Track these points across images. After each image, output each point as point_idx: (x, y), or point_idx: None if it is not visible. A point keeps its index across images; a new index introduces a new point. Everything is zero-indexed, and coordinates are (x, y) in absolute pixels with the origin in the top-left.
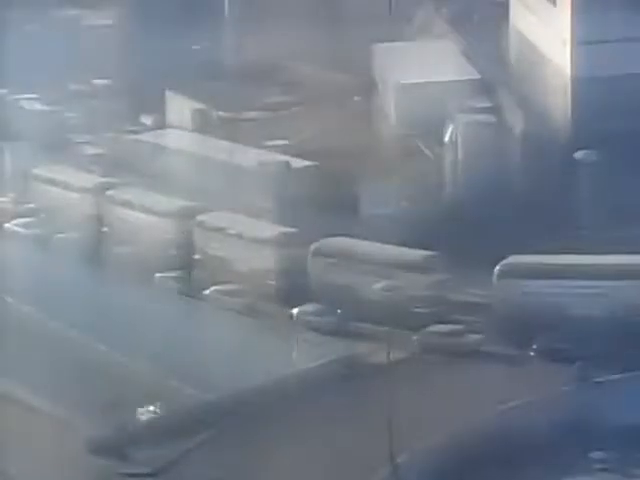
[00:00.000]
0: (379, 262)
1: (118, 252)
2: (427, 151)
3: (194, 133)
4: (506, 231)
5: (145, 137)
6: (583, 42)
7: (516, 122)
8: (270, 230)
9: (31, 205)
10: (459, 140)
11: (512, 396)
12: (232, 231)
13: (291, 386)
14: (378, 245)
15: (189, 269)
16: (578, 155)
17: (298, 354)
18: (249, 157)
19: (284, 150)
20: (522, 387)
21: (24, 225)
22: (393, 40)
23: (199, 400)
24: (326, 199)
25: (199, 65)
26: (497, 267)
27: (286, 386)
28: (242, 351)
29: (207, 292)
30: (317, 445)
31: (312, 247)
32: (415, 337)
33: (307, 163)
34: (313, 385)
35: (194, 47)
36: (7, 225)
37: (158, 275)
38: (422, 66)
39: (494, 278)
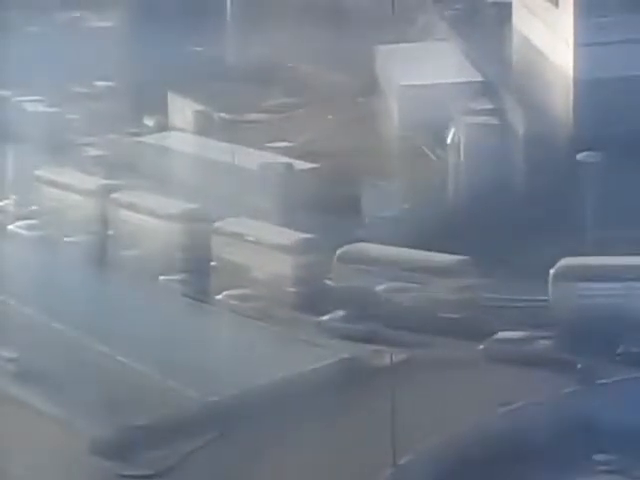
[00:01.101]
0: (409, 267)
1: (123, 255)
2: (430, 153)
3: (196, 135)
4: (508, 232)
5: (147, 139)
6: (586, 44)
7: (518, 124)
8: (289, 236)
9: (34, 207)
10: (461, 142)
11: (515, 398)
12: (250, 237)
13: (293, 387)
14: (406, 250)
15: (195, 272)
16: (581, 156)
17: (302, 356)
18: (251, 159)
19: (287, 152)
20: (524, 388)
21: (27, 227)
22: (396, 42)
23: (201, 402)
24: (329, 201)
25: (201, 67)
26: (551, 270)
27: (288, 387)
28: (246, 354)
29: (219, 297)
30: (320, 447)
31: (337, 253)
32: (482, 346)
33: (310, 165)
34: (315, 387)
35: (196, 49)
36: (10, 227)
37: (162, 278)
38: (424, 68)
39: (549, 282)
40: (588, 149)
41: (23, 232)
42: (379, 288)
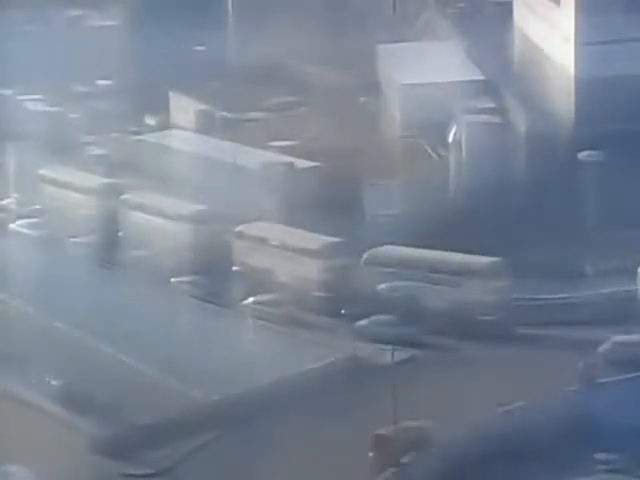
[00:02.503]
0: (439, 269)
1: (130, 255)
2: (431, 152)
3: (198, 134)
4: (509, 231)
5: (149, 138)
6: (587, 42)
7: (520, 122)
8: (316, 240)
9: (36, 206)
10: (463, 140)
11: (516, 396)
12: (274, 242)
13: (294, 386)
14: (433, 252)
15: (211, 275)
16: (582, 155)
17: (303, 355)
18: (253, 158)
19: (289, 151)
20: (526, 387)
21: (28, 226)
22: (397, 41)
23: (203, 401)
24: (330, 199)
25: (203, 66)
26: (639, 269)
27: (289, 386)
28: (249, 354)
29: (247, 302)
30: (321, 445)
31: (364, 256)
32: (600, 350)
33: (311, 164)
34: (317, 385)
35: (198, 48)
36: (11, 225)
37: (174, 280)
38: (426, 67)
39: (638, 279)
40: (589, 147)
41: (25, 231)
42: (411, 291)
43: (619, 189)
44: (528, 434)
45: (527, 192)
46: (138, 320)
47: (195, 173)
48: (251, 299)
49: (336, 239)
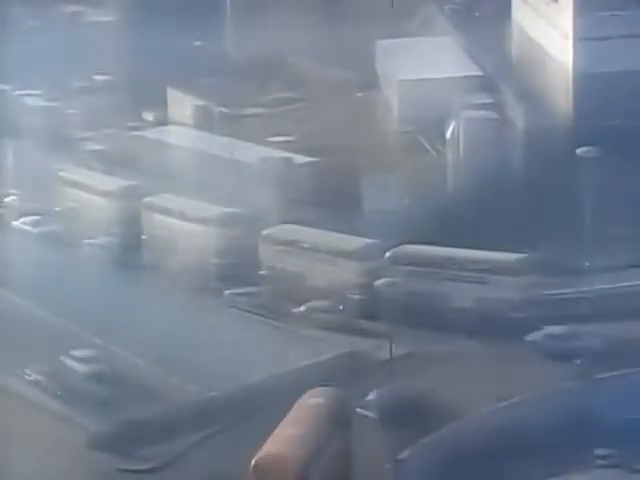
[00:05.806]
0: (466, 267)
1: (146, 258)
2: (429, 147)
3: (196, 129)
4: (507, 228)
5: (147, 133)
6: (585, 38)
7: (518, 118)
8: (352, 242)
9: (38, 204)
10: (461, 136)
11: (515, 392)
12: (306, 244)
13: (294, 382)
14: (458, 250)
15: (235, 279)
16: (580, 151)
17: (303, 351)
18: (251, 153)
19: (287, 146)
20: (524, 384)
21: (31, 223)
22: (395, 36)
23: (201, 396)
24: (328, 195)
25: (201, 61)
26: None
27: (289, 382)
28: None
29: (302, 309)
30: None
31: (387, 254)
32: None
33: (309, 159)
34: (316, 381)
35: (196, 43)
36: (14, 223)
37: (227, 292)
38: (424, 62)
39: None
40: (587, 143)
41: (27, 228)
42: (439, 291)
43: (617, 185)
44: (527, 429)
45: (525, 188)
46: (140, 317)
47: (192, 169)
48: (303, 307)
49: (371, 240)
